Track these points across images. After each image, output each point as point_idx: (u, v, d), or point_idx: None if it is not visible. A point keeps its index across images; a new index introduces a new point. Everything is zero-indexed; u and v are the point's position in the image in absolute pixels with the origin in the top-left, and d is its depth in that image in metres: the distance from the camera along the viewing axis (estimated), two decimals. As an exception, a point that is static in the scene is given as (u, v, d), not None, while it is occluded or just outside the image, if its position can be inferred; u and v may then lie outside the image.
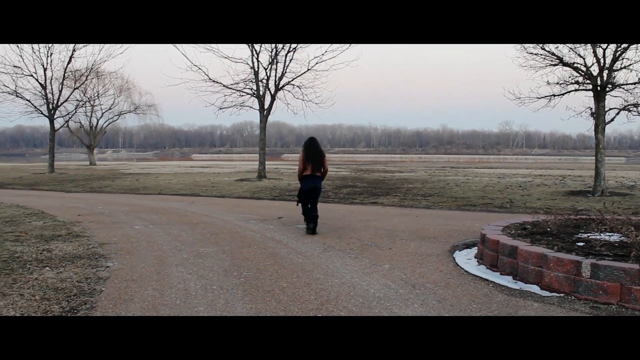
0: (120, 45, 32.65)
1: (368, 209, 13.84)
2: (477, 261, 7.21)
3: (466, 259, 7.46)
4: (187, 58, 25.72)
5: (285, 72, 24.89)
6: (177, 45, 24.18)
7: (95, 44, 32.48)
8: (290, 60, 24.80)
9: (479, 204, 14.71)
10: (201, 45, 24.13)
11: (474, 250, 7.92)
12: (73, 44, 32.53)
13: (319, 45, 25.11)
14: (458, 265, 7.08)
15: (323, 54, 24.38)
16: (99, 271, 6.66)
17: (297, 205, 10.18)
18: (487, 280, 6.26)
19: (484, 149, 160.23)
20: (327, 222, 10.86)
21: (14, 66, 32.17)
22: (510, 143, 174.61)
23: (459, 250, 8.04)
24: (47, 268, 6.80)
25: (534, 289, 5.75)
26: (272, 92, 24.98)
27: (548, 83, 17.15)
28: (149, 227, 10.35)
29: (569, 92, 17.23)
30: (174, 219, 11.53)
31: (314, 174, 9.82)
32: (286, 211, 12.77)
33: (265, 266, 6.92)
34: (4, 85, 32.67)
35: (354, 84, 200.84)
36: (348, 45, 23.90)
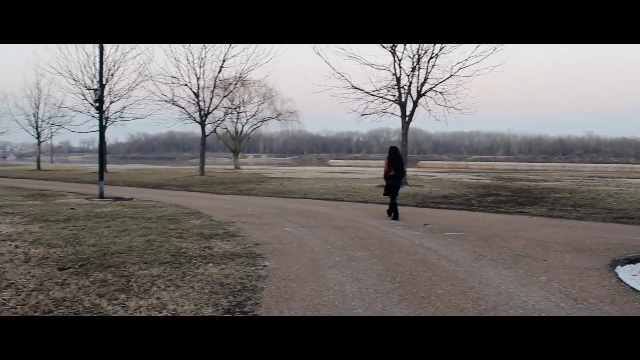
0: (267, 54, 33.98)
1: (515, 218, 13.43)
2: (644, 277, 6.80)
3: (631, 275, 7.04)
4: (331, 66, 26.35)
5: (428, 78, 24.69)
6: (322, 54, 24.77)
7: (250, 44, 33.96)
8: (433, 66, 24.56)
9: (637, 216, 13.76)
10: (345, 54, 24.70)
11: (639, 266, 7.46)
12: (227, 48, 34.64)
13: (462, 50, 24.59)
14: (622, 281, 6.70)
15: (466, 59, 23.87)
16: (258, 269, 7.03)
17: (384, 195, 13.48)
18: (657, 298, 5.89)
19: (635, 158, 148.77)
20: (475, 231, 10.68)
21: (172, 77, 34.72)
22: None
23: (621, 265, 7.61)
24: (211, 264, 7.28)
25: None
26: (414, 99, 24.86)
27: None
28: (298, 230, 10.74)
29: None
30: (321, 223, 11.87)
31: (396, 174, 12.85)
32: (432, 218, 12.72)
33: (418, 272, 6.96)
34: (163, 94, 35.33)
35: (493, 89, 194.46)
36: (493, 49, 23.33)
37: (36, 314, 5.02)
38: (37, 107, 46.38)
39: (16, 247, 8.32)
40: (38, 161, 50.55)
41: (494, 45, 23.12)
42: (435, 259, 7.83)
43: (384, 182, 13.29)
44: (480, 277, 6.74)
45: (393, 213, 12.75)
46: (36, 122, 46.90)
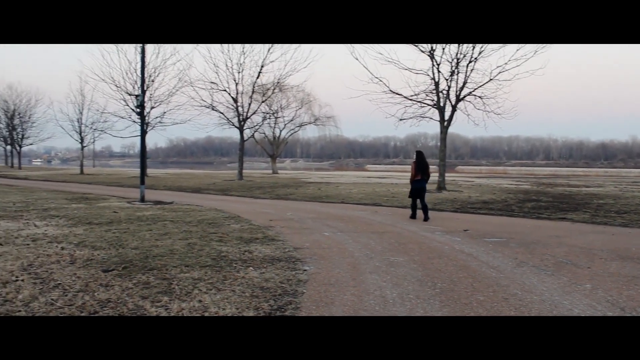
0: (305, 59, 34.15)
1: (556, 224, 13.17)
2: (693, 286, 6.59)
3: (679, 283, 6.84)
4: (369, 71, 26.35)
5: (467, 82, 24.46)
6: (360, 59, 24.79)
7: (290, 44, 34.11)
8: (472, 70, 24.32)
9: (685, 223, 13.37)
10: (383, 58, 24.67)
11: (688, 274, 7.24)
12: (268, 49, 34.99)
13: (501, 54, 24.25)
14: (671, 289, 6.53)
15: (506, 63, 23.57)
16: (298, 274, 7.05)
17: (409, 198, 14.08)
18: None
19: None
20: (516, 237, 10.53)
21: (211, 82, 35.16)
22: None
23: (670, 274, 7.40)
24: (251, 268, 7.33)
25: None
26: (453, 103, 24.64)
27: None
28: (337, 234, 10.74)
29: None
30: (360, 228, 11.86)
31: (422, 178, 13.69)
32: (471, 224, 12.58)
33: (459, 278, 6.89)
34: (202, 99, 35.80)
35: (533, 93, 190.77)
36: (533, 52, 22.99)
37: (82, 314, 5.13)
38: (81, 113, 47.79)
39: (62, 249, 8.52)
40: (81, 165, 51.70)
41: (534, 48, 22.81)
42: (476, 265, 7.74)
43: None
44: (522, 284, 6.64)
45: (424, 214, 13.46)
46: (80, 127, 48.25)
